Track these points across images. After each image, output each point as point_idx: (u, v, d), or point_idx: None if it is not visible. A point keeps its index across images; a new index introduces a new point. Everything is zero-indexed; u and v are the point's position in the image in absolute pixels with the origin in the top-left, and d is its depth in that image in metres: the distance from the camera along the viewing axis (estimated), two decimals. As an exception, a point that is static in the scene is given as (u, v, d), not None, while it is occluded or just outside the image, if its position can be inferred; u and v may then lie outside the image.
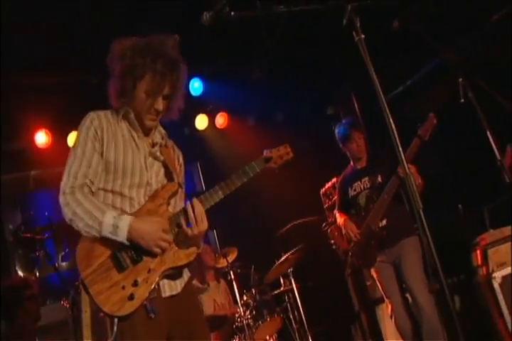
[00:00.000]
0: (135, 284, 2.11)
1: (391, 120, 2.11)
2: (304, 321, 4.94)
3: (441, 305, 3.70)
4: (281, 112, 6.67)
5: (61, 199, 2.21)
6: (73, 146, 2.29)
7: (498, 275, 3.73)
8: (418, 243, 3.99)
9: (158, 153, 2.38)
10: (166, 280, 2.24)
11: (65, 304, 4.40)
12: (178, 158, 2.50)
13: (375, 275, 4.15)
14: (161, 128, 2.47)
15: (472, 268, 3.96)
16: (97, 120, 2.29)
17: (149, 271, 2.15)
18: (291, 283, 5.01)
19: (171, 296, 2.23)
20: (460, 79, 2.76)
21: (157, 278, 2.16)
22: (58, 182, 2.33)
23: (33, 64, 4.71)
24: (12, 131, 5.20)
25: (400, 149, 2.11)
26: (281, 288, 5.14)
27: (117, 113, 2.35)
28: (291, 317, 5.09)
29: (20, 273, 5.67)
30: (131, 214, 2.20)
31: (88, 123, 2.28)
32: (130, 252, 2.17)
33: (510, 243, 3.77)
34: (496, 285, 3.69)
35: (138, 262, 2.16)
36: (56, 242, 4.95)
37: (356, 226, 4.08)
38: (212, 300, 5.41)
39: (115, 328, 2.05)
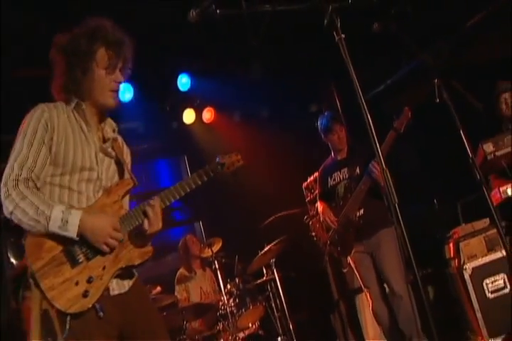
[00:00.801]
0: (89, 281, 2.02)
1: (369, 117, 2.14)
2: (286, 309, 5.01)
3: (415, 295, 3.78)
4: (267, 109, 6.71)
5: (2, 191, 2.04)
6: (20, 136, 2.12)
7: (468, 266, 3.87)
8: (395, 234, 3.98)
9: (109, 149, 2.29)
10: (114, 279, 2.14)
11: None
12: (127, 155, 2.41)
13: (352, 265, 4.21)
14: (111, 121, 2.36)
15: (445, 260, 4.06)
16: (47, 112, 2.15)
17: (104, 267, 2.07)
18: (273, 273, 5.06)
19: (119, 294, 2.15)
20: (435, 80, 2.81)
21: (111, 276, 2.09)
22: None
23: (33, 57, 4.68)
24: (9, 122, 5.16)
25: (378, 146, 2.13)
26: (264, 278, 5.19)
27: (67, 105, 2.22)
28: (273, 305, 5.18)
29: (13, 260, 5.65)
30: (79, 209, 2.08)
31: (38, 115, 2.13)
32: (84, 247, 2.06)
33: (480, 236, 3.88)
34: (466, 276, 3.82)
35: (92, 258, 2.06)
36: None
37: (334, 215, 4.14)
38: (199, 287, 5.51)
39: (67, 326, 1.95)
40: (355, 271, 4.20)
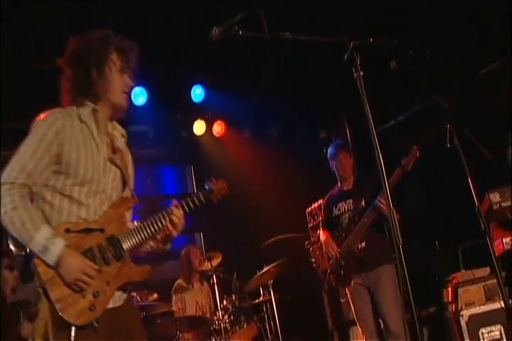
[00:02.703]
0: (95, 295, 2.08)
1: (380, 155, 2.14)
2: (279, 333, 4.96)
3: (411, 335, 3.77)
4: (276, 129, 6.71)
5: (1, 188, 2.05)
6: (28, 140, 2.14)
7: (465, 313, 3.86)
8: (394, 272, 4.02)
9: (117, 160, 2.31)
10: None
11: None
12: (130, 164, 2.45)
13: (349, 296, 4.19)
14: (119, 127, 2.41)
15: (442, 303, 4.07)
16: (61, 120, 2.15)
17: (108, 283, 2.13)
18: (270, 295, 5.02)
19: (113, 308, 2.18)
20: (448, 126, 2.86)
21: (114, 291, 2.16)
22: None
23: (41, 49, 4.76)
24: (13, 110, 5.23)
25: (386, 184, 2.15)
26: (261, 298, 5.17)
27: (80, 108, 2.24)
28: (267, 327, 5.13)
29: (12, 247, 5.74)
30: (63, 240, 2.06)
31: (51, 122, 2.14)
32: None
33: (480, 285, 3.90)
34: (463, 322, 3.82)
35: (97, 273, 2.10)
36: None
37: (337, 245, 4.15)
38: (195, 301, 5.47)
39: (72, 338, 2.00)
40: (351, 303, 4.18)
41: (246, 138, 6.57)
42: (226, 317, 4.90)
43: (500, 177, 4.16)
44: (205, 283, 5.67)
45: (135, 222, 2.37)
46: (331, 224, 4.36)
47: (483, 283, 4.03)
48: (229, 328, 4.81)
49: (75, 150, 2.15)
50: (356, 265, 4.07)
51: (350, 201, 4.24)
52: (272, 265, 4.92)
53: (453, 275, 4.21)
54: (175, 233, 2.30)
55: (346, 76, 2.41)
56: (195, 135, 6.42)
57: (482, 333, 3.84)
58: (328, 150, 4.46)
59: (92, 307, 2.06)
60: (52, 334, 2.00)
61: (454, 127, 2.86)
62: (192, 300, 5.50)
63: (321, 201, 4.95)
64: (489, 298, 3.95)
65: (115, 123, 2.39)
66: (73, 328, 2.01)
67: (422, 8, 4.71)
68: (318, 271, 4.40)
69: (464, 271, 4.32)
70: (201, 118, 6.36)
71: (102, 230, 2.17)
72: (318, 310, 5.63)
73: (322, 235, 4.36)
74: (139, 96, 5.79)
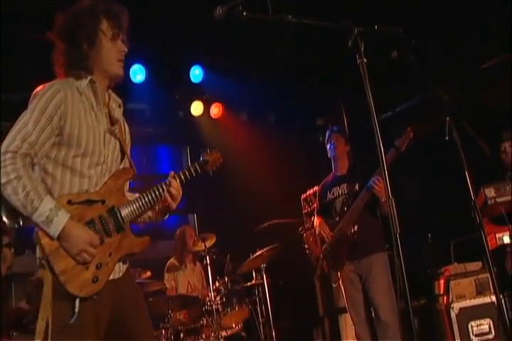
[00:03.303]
0: (98, 267, 2.08)
1: (381, 143, 2.14)
2: (270, 316, 5.01)
3: (402, 325, 3.81)
4: (274, 114, 6.70)
5: (1, 158, 2.02)
6: (28, 111, 2.11)
7: (456, 306, 3.92)
8: (387, 260, 4.02)
9: (116, 131, 2.30)
10: None
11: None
12: (127, 135, 2.45)
13: (341, 283, 4.20)
14: (115, 96, 2.38)
15: (433, 295, 4.12)
16: (62, 93, 2.13)
17: (110, 254, 2.13)
18: (262, 278, 5.06)
19: (113, 280, 2.18)
20: (447, 118, 2.84)
21: (115, 262, 2.16)
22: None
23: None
24: (13, 82, 5.16)
25: (386, 173, 2.13)
26: (253, 281, 5.19)
27: (79, 81, 2.21)
28: (258, 310, 5.18)
29: (5, 219, 5.75)
30: (67, 212, 2.05)
31: (52, 93, 2.11)
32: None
33: (471, 278, 3.95)
34: (453, 314, 3.87)
35: (99, 244, 2.10)
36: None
37: (330, 229, 4.16)
38: (187, 281, 5.51)
39: (76, 309, 2.01)
40: (343, 290, 4.19)
41: (243, 122, 6.55)
42: (218, 298, 4.89)
43: (497, 173, 4.17)
44: (197, 264, 5.67)
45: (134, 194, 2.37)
46: (325, 209, 4.34)
47: (475, 277, 4.08)
48: (220, 309, 4.82)
49: (76, 122, 2.14)
50: (349, 250, 4.05)
51: (345, 185, 4.23)
52: (266, 249, 4.93)
53: (445, 268, 4.25)
54: (174, 204, 2.33)
55: (345, 64, 2.38)
56: (192, 115, 6.38)
57: (471, 326, 3.90)
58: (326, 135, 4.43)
59: (95, 279, 2.07)
60: (52, 305, 1.98)
61: (454, 120, 2.84)
62: (184, 280, 5.52)
63: (316, 188, 4.96)
64: (480, 292, 4.01)
65: (111, 92, 2.37)
66: (77, 300, 2.02)
67: (422, 8, 4.67)
68: (311, 258, 4.41)
69: (456, 264, 4.36)
70: (199, 99, 6.30)
71: (102, 201, 2.17)
72: (309, 296, 5.66)
73: (316, 221, 4.36)
74: (138, 74, 5.73)
